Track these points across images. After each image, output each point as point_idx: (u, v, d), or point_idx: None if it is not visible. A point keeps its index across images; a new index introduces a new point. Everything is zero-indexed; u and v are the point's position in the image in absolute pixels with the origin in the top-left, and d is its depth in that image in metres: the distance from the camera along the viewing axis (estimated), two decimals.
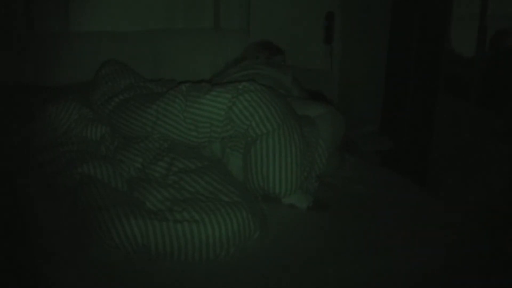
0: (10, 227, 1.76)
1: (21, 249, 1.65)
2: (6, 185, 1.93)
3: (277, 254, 1.63)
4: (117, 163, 1.94)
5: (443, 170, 2.74)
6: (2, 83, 2.49)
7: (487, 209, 2.39)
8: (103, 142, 2.11)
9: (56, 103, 2.22)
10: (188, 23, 3.04)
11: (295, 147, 1.90)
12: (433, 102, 2.78)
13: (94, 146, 2.09)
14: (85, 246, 1.58)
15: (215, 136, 2.00)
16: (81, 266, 1.52)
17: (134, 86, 2.28)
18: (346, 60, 3.45)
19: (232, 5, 3.10)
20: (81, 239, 1.60)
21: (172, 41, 2.91)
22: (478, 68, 2.58)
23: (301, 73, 2.90)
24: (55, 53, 2.65)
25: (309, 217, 1.87)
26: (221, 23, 3.09)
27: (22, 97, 2.41)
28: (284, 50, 2.89)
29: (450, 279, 1.65)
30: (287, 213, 1.89)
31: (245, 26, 3.13)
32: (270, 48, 2.85)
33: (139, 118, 2.08)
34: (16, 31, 2.65)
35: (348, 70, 3.45)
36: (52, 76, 2.63)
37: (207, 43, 2.98)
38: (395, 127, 3.04)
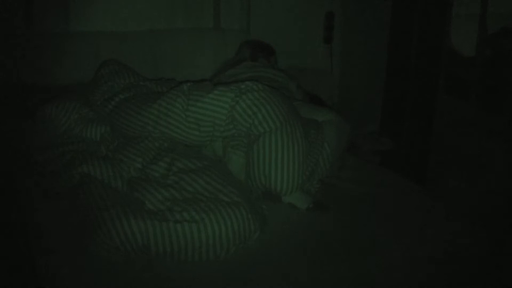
0: (10, 226, 1.76)
1: (21, 249, 1.65)
2: (6, 185, 1.94)
3: (277, 254, 1.64)
4: (117, 163, 1.94)
5: (443, 170, 2.74)
6: (2, 83, 2.49)
7: (487, 209, 2.39)
8: (103, 142, 2.11)
9: (56, 103, 2.22)
10: (188, 23, 3.04)
11: (297, 145, 1.90)
12: (433, 102, 2.77)
13: (94, 146, 2.09)
14: (85, 246, 1.58)
15: (217, 135, 2.00)
16: (81, 266, 1.52)
17: (134, 86, 2.28)
18: (346, 60, 3.45)
19: (232, 5, 3.10)
20: (81, 239, 1.60)
21: (172, 41, 2.91)
22: (478, 68, 2.57)
23: (301, 73, 2.91)
24: (55, 53, 2.65)
25: (309, 217, 1.87)
26: (221, 23, 3.09)
27: (22, 97, 2.41)
28: (275, 49, 2.88)
29: (449, 278, 1.65)
30: (287, 213, 1.90)
31: (245, 26, 3.13)
32: (264, 48, 2.84)
33: (140, 117, 2.08)
34: (16, 31, 2.65)
35: (348, 70, 3.45)
36: (52, 76, 2.63)
37: (207, 43, 2.98)
38: (395, 127, 3.04)
